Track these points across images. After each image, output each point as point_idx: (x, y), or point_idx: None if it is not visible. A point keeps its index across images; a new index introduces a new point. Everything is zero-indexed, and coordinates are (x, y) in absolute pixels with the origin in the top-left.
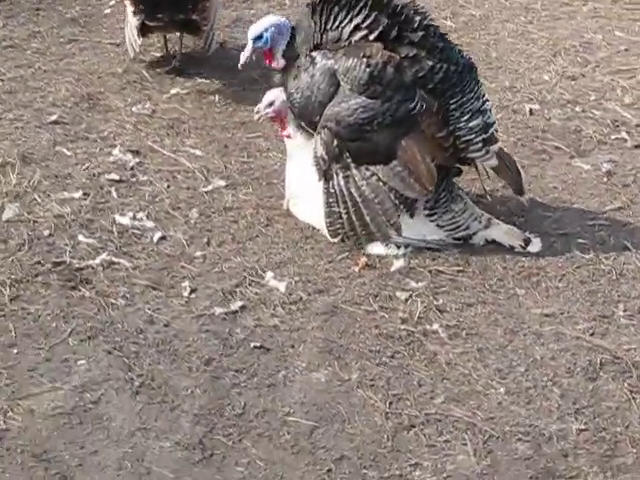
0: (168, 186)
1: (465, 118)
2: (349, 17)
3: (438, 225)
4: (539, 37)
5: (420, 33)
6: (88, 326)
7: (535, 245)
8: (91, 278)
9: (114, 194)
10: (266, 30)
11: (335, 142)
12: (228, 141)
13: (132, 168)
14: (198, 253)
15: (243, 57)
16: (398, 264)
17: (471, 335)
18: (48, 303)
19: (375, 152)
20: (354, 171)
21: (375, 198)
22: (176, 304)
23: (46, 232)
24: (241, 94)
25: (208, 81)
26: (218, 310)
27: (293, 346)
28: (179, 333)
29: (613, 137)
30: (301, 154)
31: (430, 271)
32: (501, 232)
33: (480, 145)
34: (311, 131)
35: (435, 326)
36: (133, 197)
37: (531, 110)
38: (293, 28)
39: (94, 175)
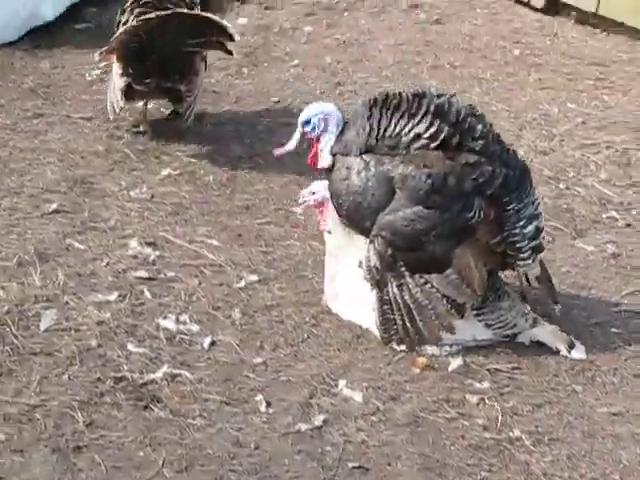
0: (200, 282)
1: (521, 224)
2: (410, 125)
3: (486, 324)
4: (499, 109)
5: (481, 142)
6: (178, 454)
7: (579, 350)
8: (159, 395)
9: (148, 294)
10: (315, 115)
11: (389, 251)
12: (240, 229)
13: (154, 262)
14: (257, 360)
15: (292, 143)
16: (455, 363)
17: (553, 441)
18: (127, 428)
19: (430, 262)
20: (408, 279)
21: (429, 304)
22: (257, 422)
23: (93, 342)
24: (233, 174)
25: (195, 160)
26: (303, 426)
27: (390, 464)
28: (273, 456)
29: (604, 216)
30: (343, 253)
31: (488, 370)
32: (547, 333)
33: (530, 252)
34: (356, 232)
35: (517, 432)
36: (168, 297)
37: None
38: (346, 123)
39: (119, 272)
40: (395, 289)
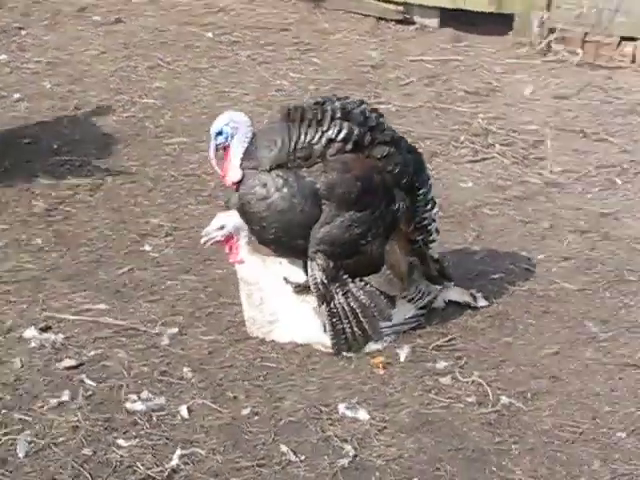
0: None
1: (428, 207)
2: (319, 133)
3: (409, 300)
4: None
5: (389, 132)
6: None
7: (481, 300)
8: None
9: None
10: (227, 124)
11: (331, 264)
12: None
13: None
14: (245, 412)
15: (210, 156)
16: (403, 353)
17: (537, 394)
18: None
19: (370, 263)
20: (350, 285)
21: (371, 304)
22: (298, 472)
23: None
24: None
25: None
26: (341, 461)
27: (436, 468)
28: None
29: None
30: (263, 278)
31: (433, 348)
32: (455, 292)
33: (436, 234)
34: (279, 254)
35: (504, 399)
36: (112, 378)
37: None
38: (254, 134)
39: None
40: (341, 298)
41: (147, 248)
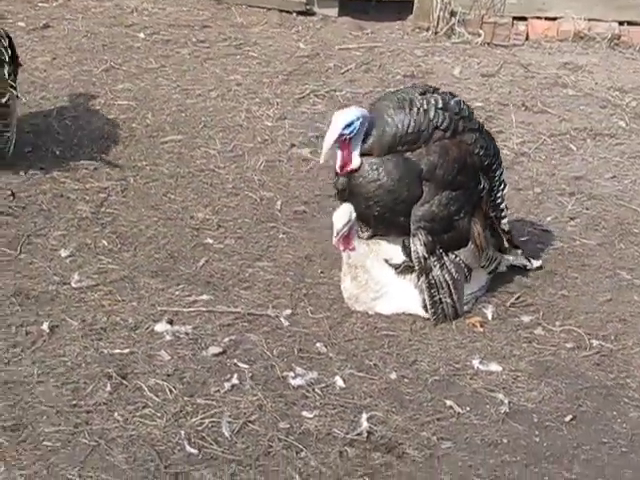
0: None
1: (502, 187)
2: (426, 121)
3: (482, 267)
4: None
5: (475, 120)
6: None
7: (535, 262)
8: None
9: None
10: (357, 118)
11: (430, 239)
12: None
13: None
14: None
15: (326, 146)
16: (489, 313)
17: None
18: None
19: (461, 238)
20: (445, 259)
21: (459, 274)
22: None
23: None
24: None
25: None
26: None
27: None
28: None
29: None
30: (369, 262)
31: (512, 305)
32: (515, 257)
33: (506, 210)
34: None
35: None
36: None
37: None
38: (370, 125)
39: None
40: (438, 271)
41: (209, 241)
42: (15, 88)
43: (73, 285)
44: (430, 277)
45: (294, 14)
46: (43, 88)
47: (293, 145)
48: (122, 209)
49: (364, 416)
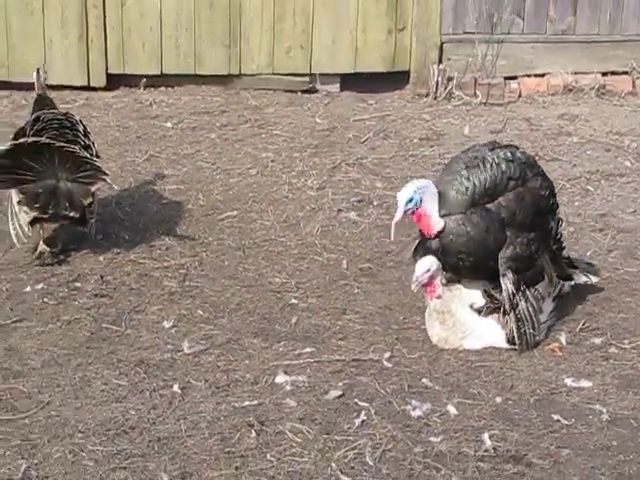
0: None
1: (560, 224)
2: (500, 175)
3: (549, 294)
4: None
5: (537, 166)
6: None
7: (592, 277)
8: None
9: None
10: (415, 192)
11: (516, 277)
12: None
13: None
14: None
15: (394, 223)
16: (563, 339)
17: None
18: None
19: (539, 273)
20: (527, 293)
21: (538, 306)
22: None
23: None
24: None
25: None
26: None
27: None
28: None
29: None
30: (454, 306)
31: (581, 330)
32: (577, 277)
33: (564, 242)
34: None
35: None
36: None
37: None
38: (439, 192)
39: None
40: (524, 304)
41: (294, 301)
42: (106, 174)
43: (186, 351)
44: (517, 312)
45: (299, 93)
46: None
47: (340, 210)
48: (204, 281)
49: (486, 435)
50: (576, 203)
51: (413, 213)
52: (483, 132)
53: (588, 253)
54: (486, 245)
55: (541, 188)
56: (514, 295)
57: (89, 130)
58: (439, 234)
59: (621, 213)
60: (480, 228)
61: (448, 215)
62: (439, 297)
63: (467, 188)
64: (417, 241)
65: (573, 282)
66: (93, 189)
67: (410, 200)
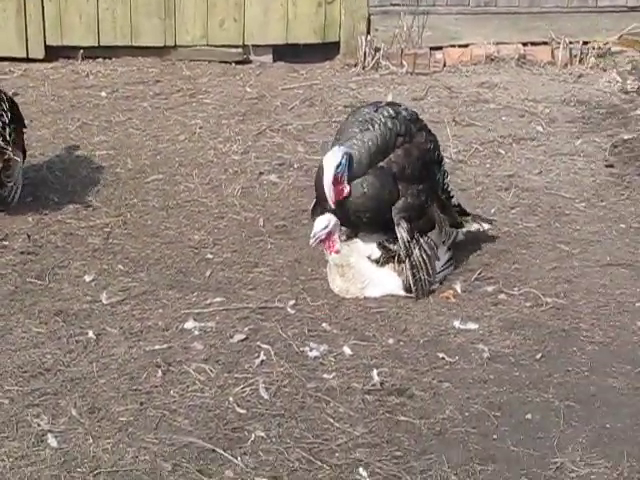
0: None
1: (446, 175)
2: (389, 133)
3: (443, 243)
4: None
5: (421, 120)
6: None
7: (485, 224)
8: None
9: None
10: (343, 157)
11: (410, 226)
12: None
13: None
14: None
15: (327, 190)
16: (458, 287)
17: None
18: None
19: (430, 221)
20: (421, 241)
21: (433, 253)
22: None
23: None
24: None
25: None
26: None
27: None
28: None
29: None
30: (352, 259)
31: (476, 279)
32: (469, 225)
33: (453, 192)
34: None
35: (549, 299)
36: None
37: None
38: (350, 157)
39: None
40: (418, 252)
41: (210, 256)
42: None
43: (104, 302)
44: (412, 259)
45: (233, 64)
46: (28, 147)
47: (261, 173)
48: (127, 239)
49: (375, 372)
50: (487, 165)
51: (337, 179)
52: (405, 99)
53: (492, 210)
54: (381, 200)
55: (426, 142)
56: (409, 242)
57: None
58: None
59: (527, 174)
60: (376, 186)
61: (352, 179)
62: (338, 252)
63: (366, 150)
64: (314, 200)
65: (465, 229)
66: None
67: (338, 165)
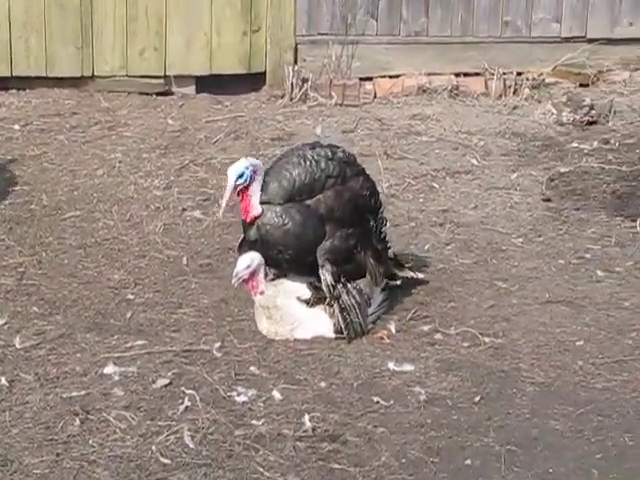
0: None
1: (384, 223)
2: (319, 172)
3: (376, 285)
4: None
5: (358, 165)
6: None
7: (419, 274)
8: None
9: None
10: (247, 168)
11: (335, 269)
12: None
13: None
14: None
15: (225, 199)
16: (393, 327)
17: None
18: None
19: (359, 268)
20: (349, 286)
21: (362, 298)
22: None
23: None
24: None
25: None
26: None
27: None
28: None
29: None
30: (279, 300)
31: (411, 318)
32: (404, 273)
33: (389, 242)
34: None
35: (487, 339)
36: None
37: None
38: (264, 181)
39: None
40: (346, 296)
41: (130, 297)
42: None
43: (17, 346)
44: (340, 302)
45: (154, 95)
46: None
47: (184, 209)
48: (42, 279)
49: (306, 417)
50: (420, 200)
51: (241, 191)
52: (335, 132)
53: (426, 247)
54: (304, 239)
55: (362, 188)
56: (334, 287)
57: None
58: (256, 220)
59: (462, 209)
60: (297, 222)
61: (267, 203)
62: (262, 293)
63: (288, 181)
64: (242, 236)
65: (399, 282)
66: None
67: (241, 175)
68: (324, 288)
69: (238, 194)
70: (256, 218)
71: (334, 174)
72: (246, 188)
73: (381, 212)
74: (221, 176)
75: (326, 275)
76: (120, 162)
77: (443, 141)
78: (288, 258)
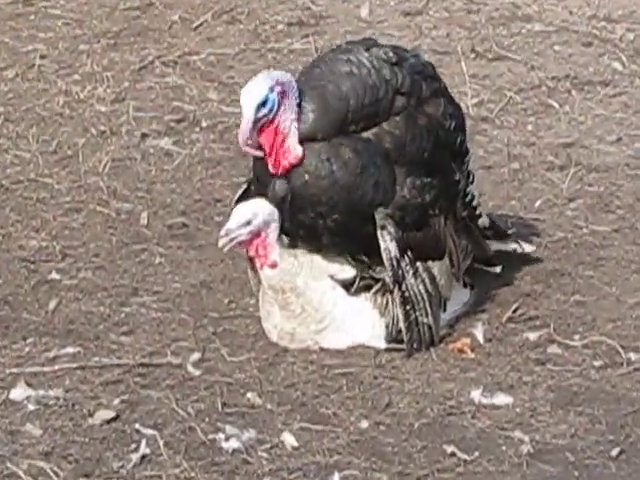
0: None
1: (470, 179)
2: (390, 91)
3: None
4: None
5: (439, 82)
6: None
7: (526, 246)
8: None
9: None
10: (271, 89)
11: (401, 233)
12: None
13: None
14: None
15: (242, 136)
16: (479, 334)
17: None
18: None
19: (434, 243)
20: (419, 267)
21: (434, 291)
22: None
23: None
24: None
25: None
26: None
27: None
28: None
29: None
30: (307, 274)
31: (508, 320)
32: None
33: (480, 207)
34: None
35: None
36: None
37: None
38: (301, 92)
39: None
40: (412, 279)
41: (55, 276)
42: None
43: None
44: (404, 287)
45: None
46: None
47: (145, 135)
48: None
49: (336, 476)
50: (528, 127)
51: (265, 124)
52: (391, 14)
53: (537, 203)
54: (360, 195)
55: (444, 116)
56: (398, 261)
57: None
58: (291, 169)
59: (597, 142)
60: (351, 168)
61: (308, 141)
62: (274, 266)
63: (335, 102)
64: (245, 185)
65: (498, 268)
66: None
67: (264, 103)
68: (385, 261)
69: (260, 131)
70: (293, 166)
71: (405, 89)
72: (272, 121)
73: (467, 160)
74: (206, 83)
75: (387, 241)
76: (43, 57)
77: (568, 31)
78: (332, 226)
